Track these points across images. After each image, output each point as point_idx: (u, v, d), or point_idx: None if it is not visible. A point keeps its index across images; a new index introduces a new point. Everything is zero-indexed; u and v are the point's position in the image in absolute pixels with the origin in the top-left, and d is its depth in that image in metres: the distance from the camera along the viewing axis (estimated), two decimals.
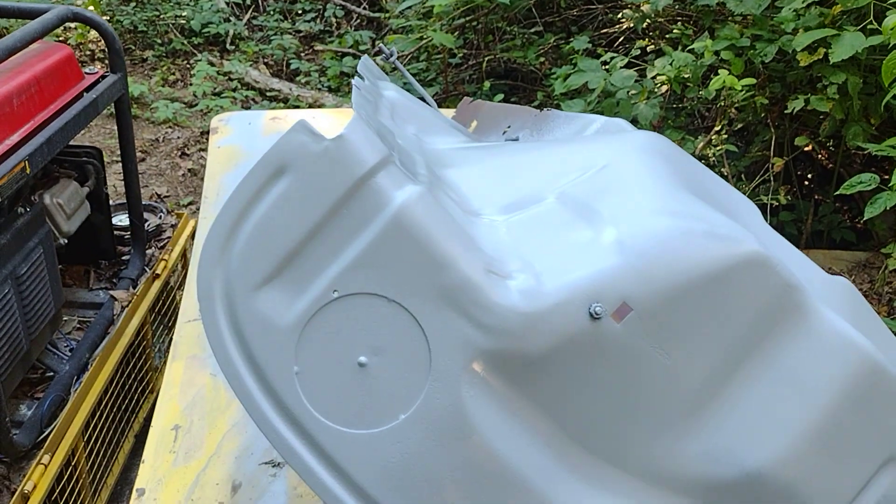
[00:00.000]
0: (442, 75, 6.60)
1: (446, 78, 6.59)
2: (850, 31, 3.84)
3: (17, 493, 2.53)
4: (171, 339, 2.36)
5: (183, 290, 2.69)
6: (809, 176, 5.33)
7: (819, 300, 1.48)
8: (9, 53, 2.65)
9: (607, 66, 4.83)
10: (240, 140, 3.15)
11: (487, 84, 6.16)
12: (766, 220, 1.92)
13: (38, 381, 3.09)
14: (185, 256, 3.90)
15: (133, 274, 3.58)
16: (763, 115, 4.62)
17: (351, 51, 7.90)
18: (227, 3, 8.71)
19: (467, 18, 6.51)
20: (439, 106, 2.68)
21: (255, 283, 1.35)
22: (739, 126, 4.83)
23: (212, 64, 7.70)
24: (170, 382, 2.13)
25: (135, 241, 3.65)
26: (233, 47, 8.19)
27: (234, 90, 7.36)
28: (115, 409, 3.22)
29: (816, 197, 5.09)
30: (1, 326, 2.66)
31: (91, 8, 7.29)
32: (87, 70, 3.29)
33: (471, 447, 1.35)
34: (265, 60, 8.07)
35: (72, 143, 3.15)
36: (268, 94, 7.36)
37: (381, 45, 2.78)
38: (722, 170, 4.56)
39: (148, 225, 3.85)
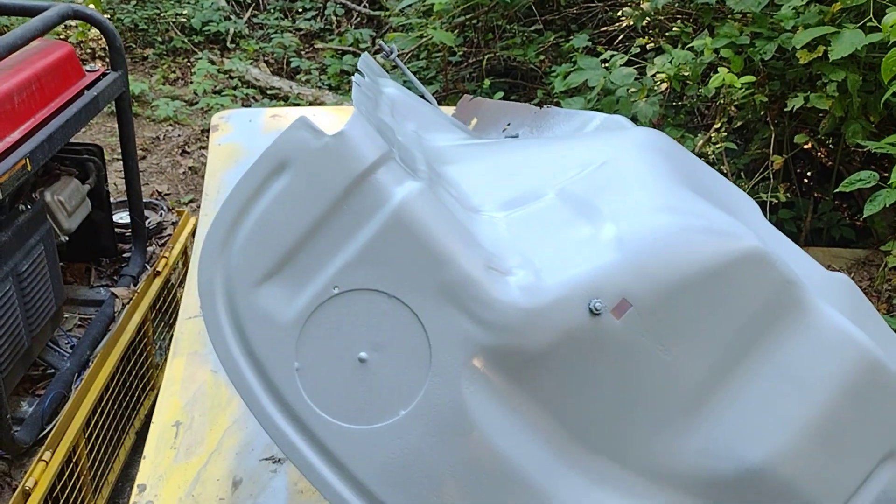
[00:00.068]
0: (442, 73, 6.60)
1: (446, 76, 6.59)
2: (849, 29, 3.85)
3: (18, 489, 2.54)
4: (171, 336, 2.36)
5: (184, 288, 2.70)
6: (809, 173, 5.33)
7: (818, 296, 1.48)
8: (9, 51, 2.66)
9: (607, 64, 4.83)
10: (240, 137, 3.15)
11: (487, 82, 6.16)
12: (766, 218, 1.92)
13: (39, 378, 3.09)
14: (185, 254, 3.91)
15: (134, 271, 3.58)
16: (762, 112, 4.62)
17: (351, 49, 7.90)
18: (228, 2, 8.72)
19: (467, 16, 6.52)
20: (439, 104, 2.68)
21: (255, 280, 1.35)
22: (739, 124, 4.83)
23: (212, 62, 7.70)
24: (171, 379, 2.14)
25: (136, 239, 3.66)
26: (233, 45, 8.19)
27: (235, 88, 7.36)
28: (116, 406, 3.23)
29: (816, 195, 5.09)
30: (2, 323, 2.67)
31: (92, 6, 7.29)
32: (87, 68, 3.30)
33: (471, 443, 1.36)
34: (265, 58, 8.07)
35: (73, 140, 3.16)
36: (268, 92, 7.37)
37: (381, 42, 2.78)
38: (721, 167, 4.57)
39: (149, 223, 3.85)
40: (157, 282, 3.59)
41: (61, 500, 2.75)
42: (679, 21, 5.22)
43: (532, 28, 6.53)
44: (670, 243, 1.41)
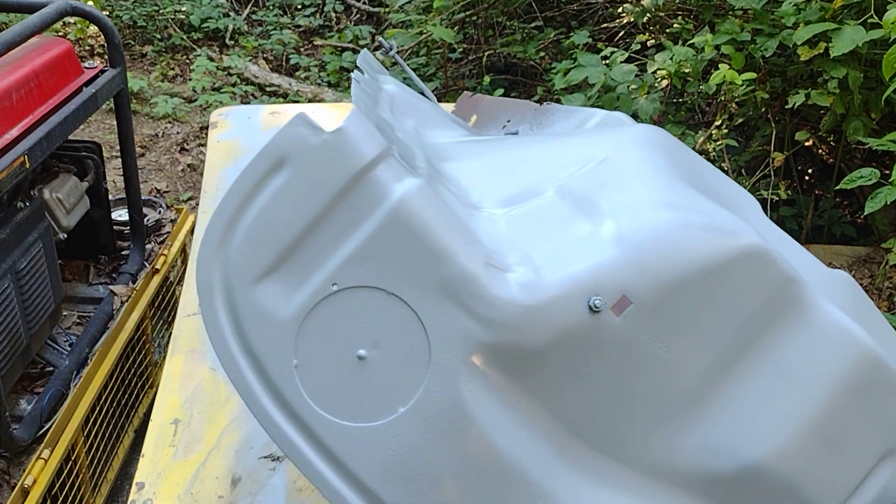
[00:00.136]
0: (442, 70, 6.60)
1: (446, 73, 6.58)
2: (850, 26, 3.84)
3: (17, 487, 2.54)
4: (170, 333, 2.36)
5: (182, 285, 2.69)
6: (810, 171, 5.33)
7: (819, 293, 1.48)
8: (8, 48, 2.65)
9: (607, 61, 4.82)
10: (239, 134, 3.15)
11: (487, 79, 6.15)
12: (767, 215, 1.92)
13: (37, 375, 3.09)
14: (184, 251, 3.90)
15: (132, 269, 3.58)
16: (763, 109, 4.61)
17: (350, 46, 7.89)
18: None
19: (467, 13, 6.51)
20: (439, 101, 2.68)
21: (254, 277, 1.35)
22: (740, 121, 4.82)
23: (211, 59, 7.69)
24: (169, 376, 2.13)
25: (134, 236, 3.65)
26: (232, 42, 8.18)
27: (234, 85, 7.35)
28: (114, 404, 3.22)
29: (817, 192, 5.09)
30: (1, 321, 2.67)
31: (90, 2, 7.28)
32: (86, 65, 3.29)
33: (470, 440, 1.35)
34: (264, 55, 8.06)
35: (71, 137, 3.15)
36: (267, 89, 7.36)
37: (380, 39, 2.77)
38: (722, 164, 4.56)
39: (147, 220, 3.85)
40: (156, 279, 3.59)
41: (60, 498, 2.75)
42: (680, 17, 5.21)
43: (532, 24, 6.52)
44: (670, 240, 1.40)
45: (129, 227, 3.68)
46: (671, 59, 4.49)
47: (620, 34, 5.89)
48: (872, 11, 3.77)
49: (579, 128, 2.08)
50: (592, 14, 6.34)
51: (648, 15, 5.39)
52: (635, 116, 4.40)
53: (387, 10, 7.91)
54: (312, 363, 1.35)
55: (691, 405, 1.42)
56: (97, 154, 3.47)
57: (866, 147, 4.32)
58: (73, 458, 2.83)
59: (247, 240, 1.35)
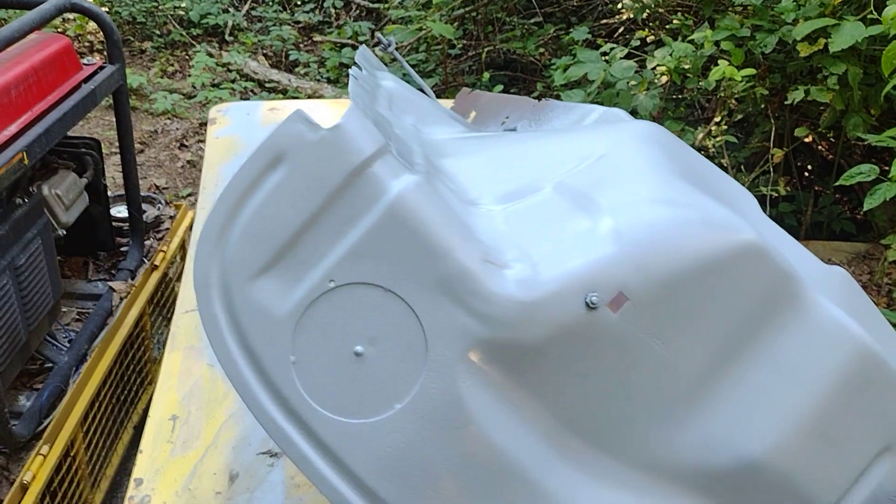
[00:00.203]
0: (441, 66, 6.59)
1: (445, 69, 6.57)
2: (850, 21, 3.83)
3: (16, 483, 2.54)
4: (169, 330, 2.36)
5: (181, 282, 2.70)
6: (809, 167, 5.33)
7: (816, 290, 1.48)
8: (7, 44, 2.64)
9: (607, 57, 4.81)
10: (238, 131, 3.15)
11: (487, 75, 6.15)
12: (766, 212, 1.92)
13: (36, 372, 3.09)
14: (183, 248, 3.90)
15: (131, 265, 3.58)
16: (763, 105, 4.61)
17: (350, 42, 7.88)
18: None
19: (467, 9, 6.50)
20: (438, 97, 2.67)
21: (251, 273, 1.35)
22: (739, 117, 4.82)
23: (210, 55, 7.68)
24: (167, 373, 2.14)
25: (133, 233, 3.65)
26: (231, 38, 8.17)
27: (233, 81, 7.35)
28: (113, 400, 3.22)
29: (816, 188, 5.09)
30: (0, 317, 2.67)
31: None
32: (85, 61, 3.29)
33: (467, 437, 1.35)
34: (264, 51, 8.05)
35: (70, 134, 3.15)
36: (266, 85, 7.35)
37: (379, 35, 2.77)
38: (722, 161, 4.56)
39: (146, 216, 3.85)
40: (155, 276, 3.59)
41: (59, 494, 2.75)
42: (679, 13, 5.20)
43: (532, 21, 6.52)
44: (668, 236, 1.40)
45: (128, 224, 3.68)
46: (671, 55, 4.48)
47: (620, 30, 5.89)
48: (872, 7, 3.77)
49: (578, 124, 2.08)
50: (592, 10, 6.34)
51: (648, 11, 5.39)
52: (635, 113, 4.39)
53: (386, 6, 7.90)
54: (310, 360, 1.35)
55: (688, 401, 1.43)
56: (96, 150, 3.47)
57: (866, 143, 4.32)
58: (72, 454, 2.83)
59: (244, 236, 1.34)
